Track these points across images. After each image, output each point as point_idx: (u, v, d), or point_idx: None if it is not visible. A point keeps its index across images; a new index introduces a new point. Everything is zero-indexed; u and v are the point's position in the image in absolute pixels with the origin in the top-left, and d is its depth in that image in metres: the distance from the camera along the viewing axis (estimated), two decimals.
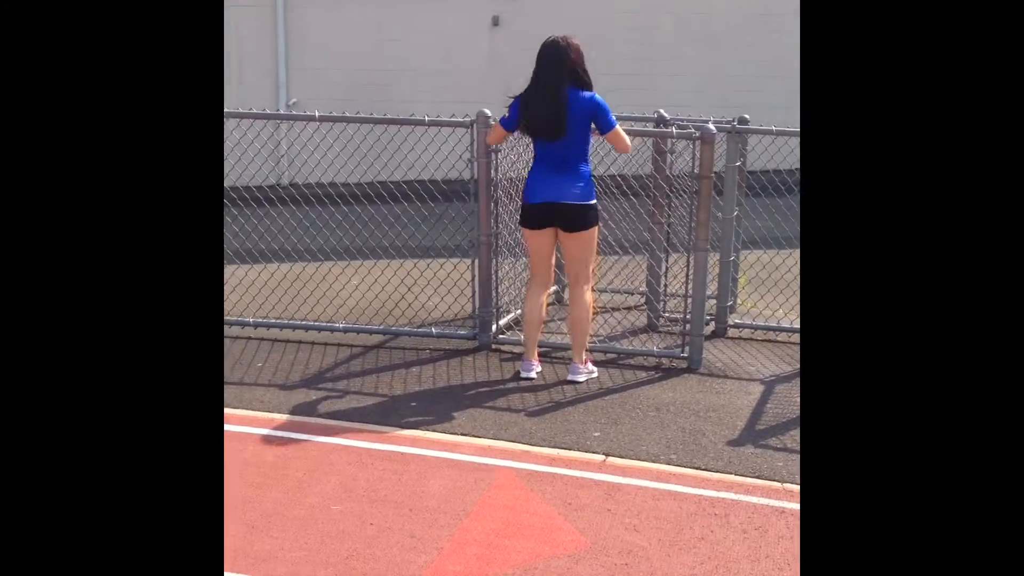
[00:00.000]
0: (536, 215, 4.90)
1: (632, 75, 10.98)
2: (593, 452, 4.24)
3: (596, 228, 4.96)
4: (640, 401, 4.83)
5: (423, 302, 6.19)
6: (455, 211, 6.52)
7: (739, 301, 6.59)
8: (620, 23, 10.95)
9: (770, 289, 6.51)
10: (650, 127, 6.11)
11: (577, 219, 4.85)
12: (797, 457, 4.19)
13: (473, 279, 5.64)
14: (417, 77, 10.73)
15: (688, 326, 5.37)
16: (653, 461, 4.16)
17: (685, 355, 5.37)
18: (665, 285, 6.15)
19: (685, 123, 5.93)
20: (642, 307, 6.41)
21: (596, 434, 4.41)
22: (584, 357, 5.15)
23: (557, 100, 4.75)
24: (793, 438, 4.40)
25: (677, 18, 11.06)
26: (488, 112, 5.42)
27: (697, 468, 4.10)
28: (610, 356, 5.51)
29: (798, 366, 5.43)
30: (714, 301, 6.10)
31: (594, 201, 4.91)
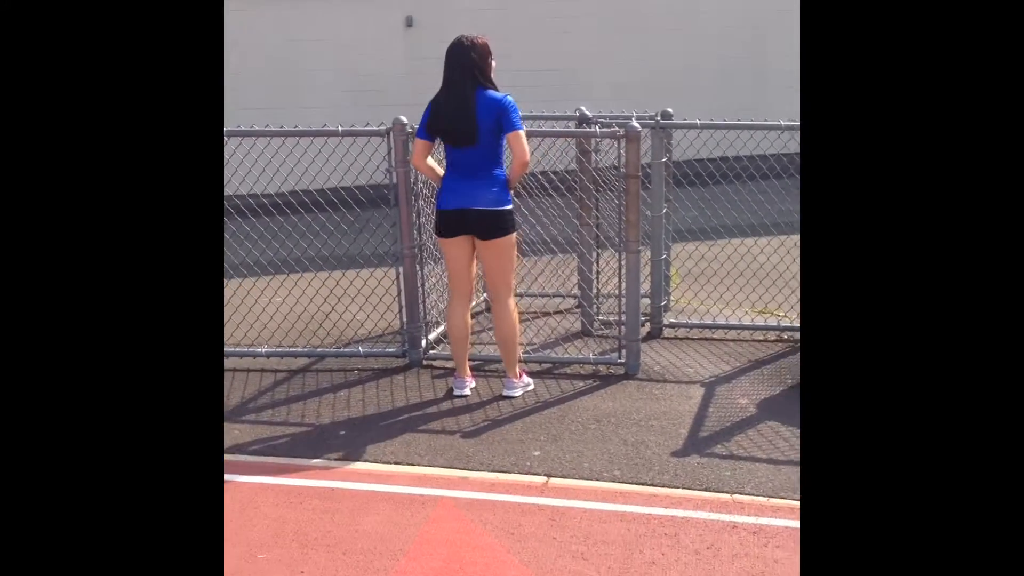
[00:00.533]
0: (449, 223, 4.68)
1: (551, 71, 10.84)
2: (534, 473, 4.05)
3: (513, 235, 4.75)
4: (579, 413, 4.66)
5: (348, 320, 5.94)
6: (380, 216, 6.27)
7: (672, 298, 6.47)
8: (541, 15, 10.80)
9: (703, 285, 6.44)
10: (572, 126, 5.96)
11: (492, 226, 4.63)
12: (744, 465, 4.07)
13: (399, 293, 5.41)
14: (334, 79, 10.44)
15: (623, 330, 5.22)
16: (597, 479, 3.99)
17: (622, 361, 5.22)
18: (598, 287, 6.00)
19: (607, 120, 5.78)
20: (575, 310, 6.25)
21: (536, 453, 4.23)
22: (518, 370, 4.96)
23: (464, 103, 4.54)
24: (739, 444, 4.28)
25: (600, 8, 10.94)
26: (404, 119, 5.19)
27: (642, 484, 3.94)
28: (545, 366, 5.34)
29: (737, 365, 5.32)
30: (647, 300, 5.97)
31: (510, 206, 4.69)
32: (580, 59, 10.93)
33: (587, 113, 5.74)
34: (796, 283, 6.07)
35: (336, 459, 4.23)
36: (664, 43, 11.14)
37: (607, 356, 5.34)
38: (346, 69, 10.48)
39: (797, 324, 5.87)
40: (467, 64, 4.60)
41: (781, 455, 4.15)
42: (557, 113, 6.64)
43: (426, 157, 4.76)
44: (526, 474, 4.05)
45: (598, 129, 5.21)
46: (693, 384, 5.05)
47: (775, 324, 5.90)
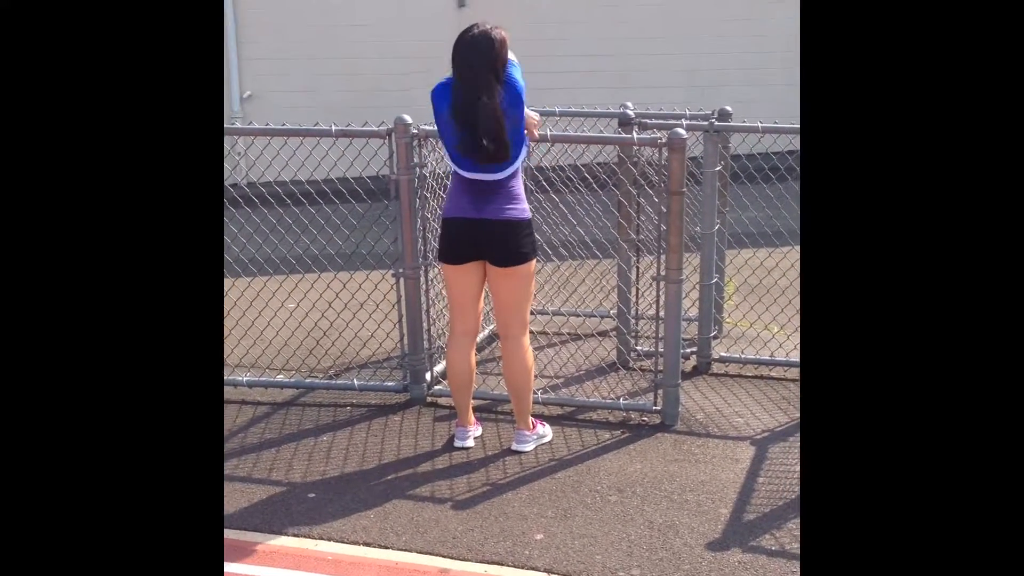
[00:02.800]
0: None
1: (608, 56, 9.99)
2: (533, 568, 3.27)
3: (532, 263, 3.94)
4: (599, 478, 3.86)
5: (348, 339, 5.21)
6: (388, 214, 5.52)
7: (725, 316, 5.62)
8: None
9: (763, 300, 5.54)
10: (615, 125, 5.12)
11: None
12: (796, 567, 3.23)
13: (400, 320, 4.65)
14: (379, 64, 9.74)
15: (660, 374, 4.40)
16: None
17: (658, 408, 4.40)
18: (636, 308, 5.16)
19: (655, 121, 4.93)
20: (612, 333, 5.44)
21: (539, 536, 3.44)
22: (531, 421, 4.18)
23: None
24: (791, 532, 3.44)
25: None
26: (408, 119, 4.41)
27: None
28: (568, 409, 4.55)
29: (796, 415, 4.46)
30: (695, 327, 5.14)
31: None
32: (640, 45, 10.05)
33: (630, 112, 4.89)
34: None
35: (294, 535, 3.49)
36: (733, 32, 10.19)
37: (640, 402, 4.51)
38: (391, 52, 9.77)
39: None
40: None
41: None
42: (604, 110, 5.81)
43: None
44: (523, 568, 3.27)
45: (636, 135, 4.36)
46: (742, 441, 4.21)
47: None
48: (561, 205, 5.59)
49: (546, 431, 4.23)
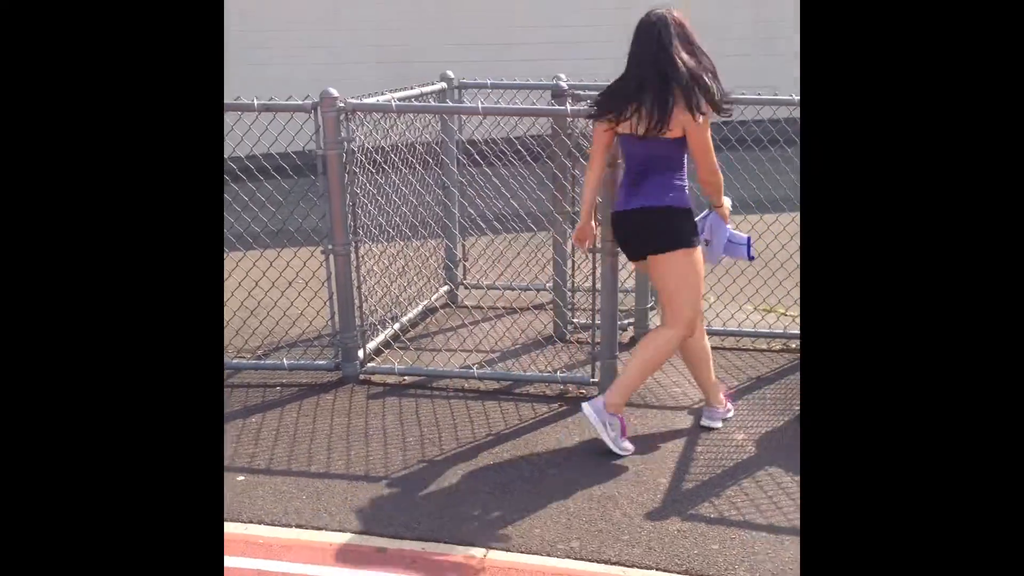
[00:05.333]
0: None
1: (536, 27, 9.90)
2: (471, 544, 3.19)
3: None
4: (537, 452, 3.81)
5: (276, 318, 5.08)
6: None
7: None
8: None
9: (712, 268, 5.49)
10: (548, 97, 5.04)
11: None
12: (737, 534, 3.21)
13: (331, 297, 4.53)
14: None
15: (597, 346, 4.35)
16: (548, 554, 3.13)
17: (595, 380, 4.35)
18: (572, 281, 5.10)
19: (588, 92, 4.85)
20: (548, 306, 5.38)
21: (476, 512, 3.37)
22: (721, 398, 4.03)
23: None
24: (731, 501, 3.42)
25: None
26: (334, 92, 4.28)
27: (605, 562, 3.08)
28: (504, 383, 4.48)
29: (734, 383, 4.46)
30: (632, 298, 5.11)
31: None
32: (572, 16, 9.98)
33: (563, 84, 4.81)
34: None
35: (224, 519, 3.37)
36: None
37: (577, 374, 4.47)
38: (319, 24, 9.57)
39: None
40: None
41: (784, 519, 3.30)
42: (537, 82, 5.73)
43: None
44: (461, 544, 3.19)
45: (569, 107, 4.29)
46: (680, 411, 4.19)
47: (780, 330, 5.03)
48: (495, 178, 5.51)
49: (728, 409, 4.08)
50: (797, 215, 5.50)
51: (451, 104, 5.32)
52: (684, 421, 4.08)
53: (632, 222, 3.73)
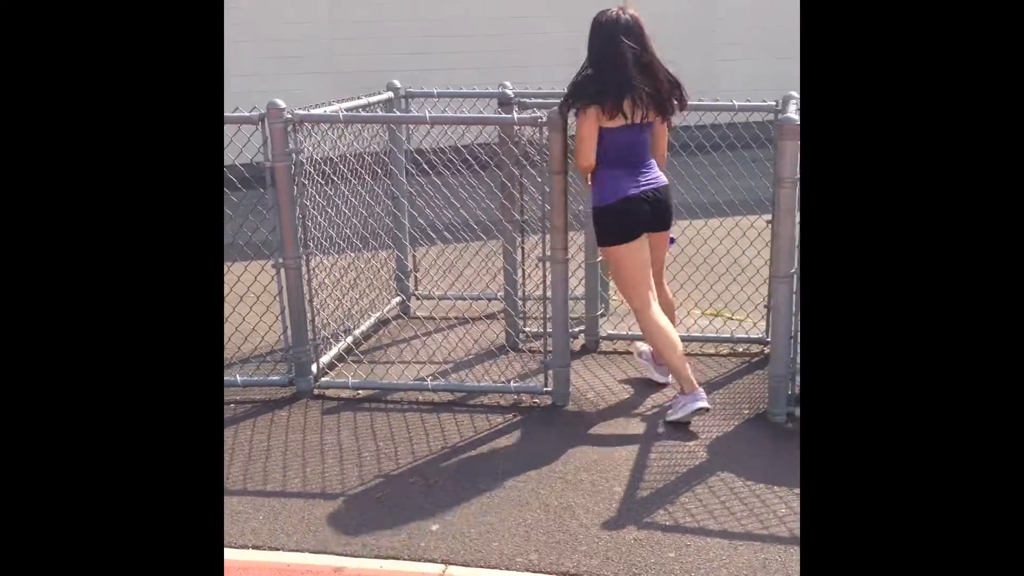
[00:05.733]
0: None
1: (482, 36, 9.92)
2: (430, 560, 3.21)
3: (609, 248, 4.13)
4: (493, 464, 3.83)
5: (228, 333, 5.05)
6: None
7: (612, 293, 5.65)
8: None
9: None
10: (495, 106, 5.07)
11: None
12: (693, 541, 3.26)
13: (283, 311, 4.51)
14: (255, 47, 9.44)
15: (549, 355, 4.38)
16: (508, 567, 3.16)
17: (548, 389, 4.39)
18: (523, 289, 5.13)
19: (535, 100, 4.89)
20: (500, 315, 5.40)
21: (435, 527, 3.39)
22: (684, 386, 4.15)
23: None
24: (686, 508, 3.47)
25: None
26: (281, 103, 4.27)
27: (565, 574, 3.12)
28: (458, 395, 4.50)
29: (680, 388, 4.51)
30: (583, 306, 5.15)
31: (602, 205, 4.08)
32: (519, 23, 10.01)
33: (509, 92, 4.84)
34: (753, 273, 5.27)
35: None
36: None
37: (531, 384, 4.50)
38: (267, 35, 9.48)
39: (753, 334, 5.09)
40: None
41: (738, 524, 3.36)
42: (483, 90, 5.75)
43: None
44: (420, 560, 3.21)
45: (516, 115, 4.32)
46: (632, 419, 4.24)
47: (728, 335, 5.10)
48: (444, 188, 5.53)
49: (692, 399, 4.11)
50: (738, 218, 5.61)
51: (398, 114, 5.32)
52: (637, 427, 4.14)
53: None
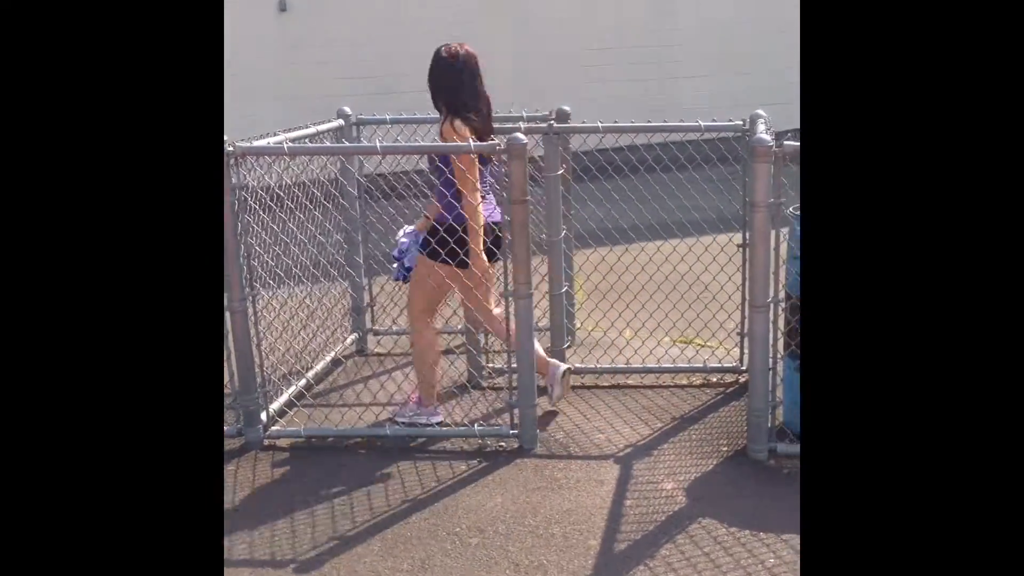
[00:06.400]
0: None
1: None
2: None
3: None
4: (458, 518, 3.56)
5: None
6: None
7: (577, 324, 5.42)
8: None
9: (612, 303, 5.29)
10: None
11: None
12: None
13: (228, 357, 4.22)
14: None
15: (515, 393, 4.12)
16: None
17: (515, 432, 4.12)
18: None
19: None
20: (460, 350, 5.14)
21: None
22: (425, 397, 4.36)
23: None
24: (666, 561, 3.22)
25: None
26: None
27: None
28: (418, 440, 4.22)
29: (658, 425, 4.29)
30: (548, 335, 4.90)
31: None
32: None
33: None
34: (725, 298, 5.05)
35: None
36: (556, 27, 10.08)
37: (496, 427, 4.23)
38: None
39: (727, 363, 4.87)
40: None
41: None
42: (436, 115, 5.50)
43: None
44: None
45: (472, 143, 4.06)
46: (605, 461, 3.99)
47: (700, 364, 4.88)
48: (399, 216, 5.26)
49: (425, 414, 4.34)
50: (703, 238, 5.37)
51: (347, 144, 5.06)
52: (610, 472, 3.89)
53: (499, 230, 4.11)
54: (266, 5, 9.36)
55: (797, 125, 5.13)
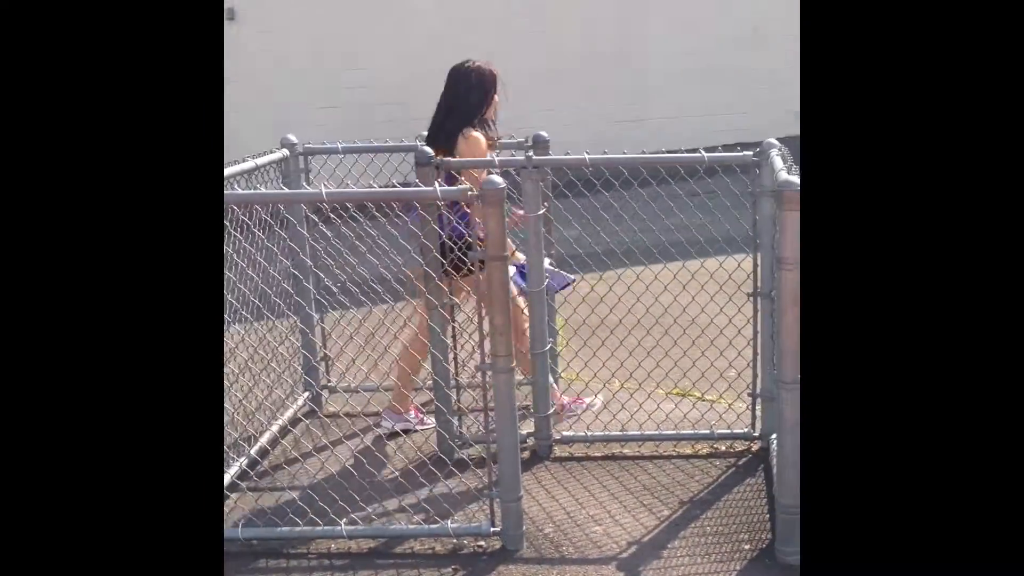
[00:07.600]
0: None
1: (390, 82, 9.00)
2: None
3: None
4: None
5: None
6: None
7: (560, 372, 4.74)
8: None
9: (596, 347, 4.57)
10: (411, 160, 4.13)
11: None
12: None
13: None
14: None
15: (497, 480, 3.45)
16: None
17: (496, 529, 3.45)
18: (457, 380, 4.18)
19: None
20: (429, 406, 4.45)
21: None
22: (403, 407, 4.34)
23: None
24: None
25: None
26: None
27: None
28: (381, 541, 3.54)
29: (664, 512, 3.64)
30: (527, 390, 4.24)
31: None
32: (426, 63, 9.08)
33: (428, 149, 3.90)
34: (715, 333, 4.40)
35: None
36: (524, 40, 9.38)
37: (474, 525, 3.54)
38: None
39: (735, 426, 4.24)
40: None
41: None
42: (396, 143, 4.81)
43: None
44: None
45: (440, 187, 3.37)
46: (606, 566, 3.32)
47: (707, 430, 4.22)
48: (361, 240, 4.57)
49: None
50: (689, 263, 4.66)
51: (286, 191, 4.29)
52: None
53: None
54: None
55: (762, 134, 4.48)
